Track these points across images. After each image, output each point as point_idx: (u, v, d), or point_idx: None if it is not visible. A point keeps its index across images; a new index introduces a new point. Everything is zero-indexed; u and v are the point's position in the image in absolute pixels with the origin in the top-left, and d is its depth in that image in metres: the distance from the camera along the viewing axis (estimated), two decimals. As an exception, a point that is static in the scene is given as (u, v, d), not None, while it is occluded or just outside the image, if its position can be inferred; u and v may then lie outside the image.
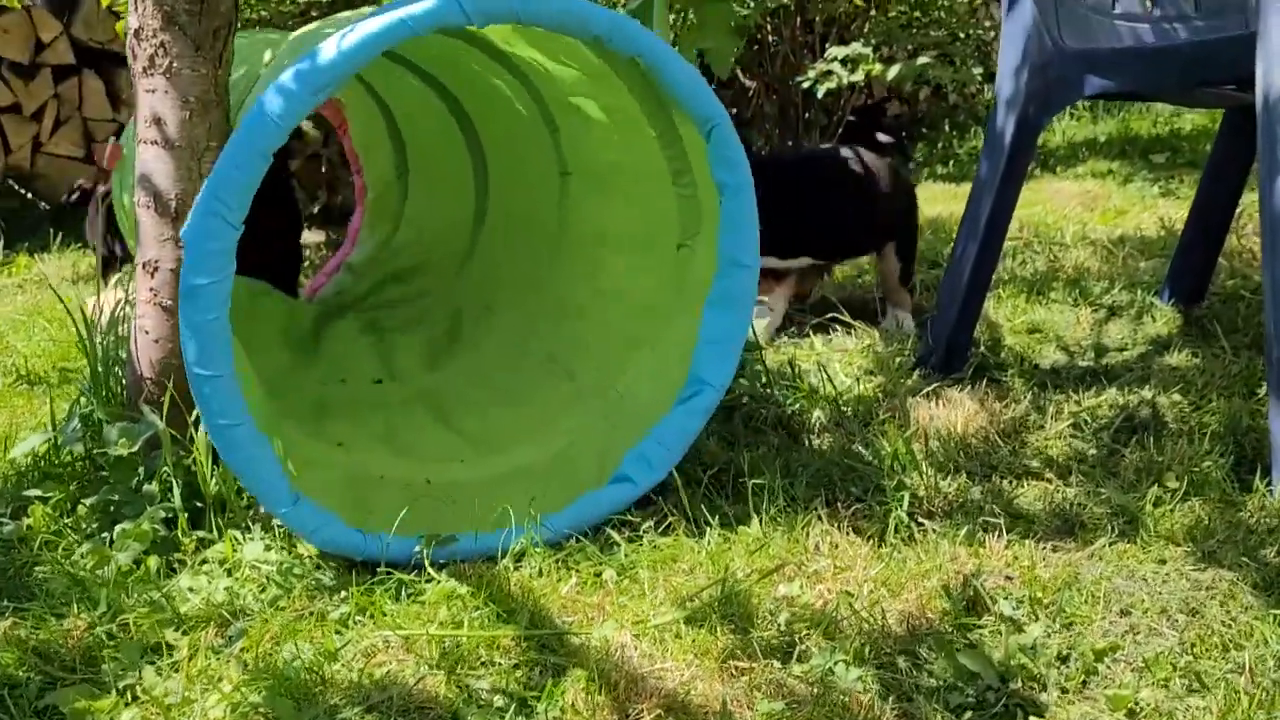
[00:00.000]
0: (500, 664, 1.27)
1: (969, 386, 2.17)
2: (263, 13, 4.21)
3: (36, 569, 1.50)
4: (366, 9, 1.68)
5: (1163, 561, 1.46)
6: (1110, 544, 1.51)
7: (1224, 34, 2.30)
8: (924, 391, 2.13)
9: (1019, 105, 2.17)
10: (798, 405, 2.08)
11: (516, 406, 2.07)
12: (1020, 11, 2.18)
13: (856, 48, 4.98)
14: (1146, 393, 2.06)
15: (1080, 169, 5.14)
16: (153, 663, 1.27)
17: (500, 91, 2.37)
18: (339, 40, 1.49)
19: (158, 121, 1.68)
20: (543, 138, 2.37)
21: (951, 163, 5.97)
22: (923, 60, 4.96)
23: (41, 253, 4.34)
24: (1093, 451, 1.84)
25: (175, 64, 1.67)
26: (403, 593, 1.43)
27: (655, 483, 1.68)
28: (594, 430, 1.88)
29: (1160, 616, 1.33)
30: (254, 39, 2.50)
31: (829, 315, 2.71)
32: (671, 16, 2.64)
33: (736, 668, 1.25)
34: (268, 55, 2.09)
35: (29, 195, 4.79)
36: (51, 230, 4.52)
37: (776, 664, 1.26)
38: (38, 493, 1.61)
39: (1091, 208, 4.10)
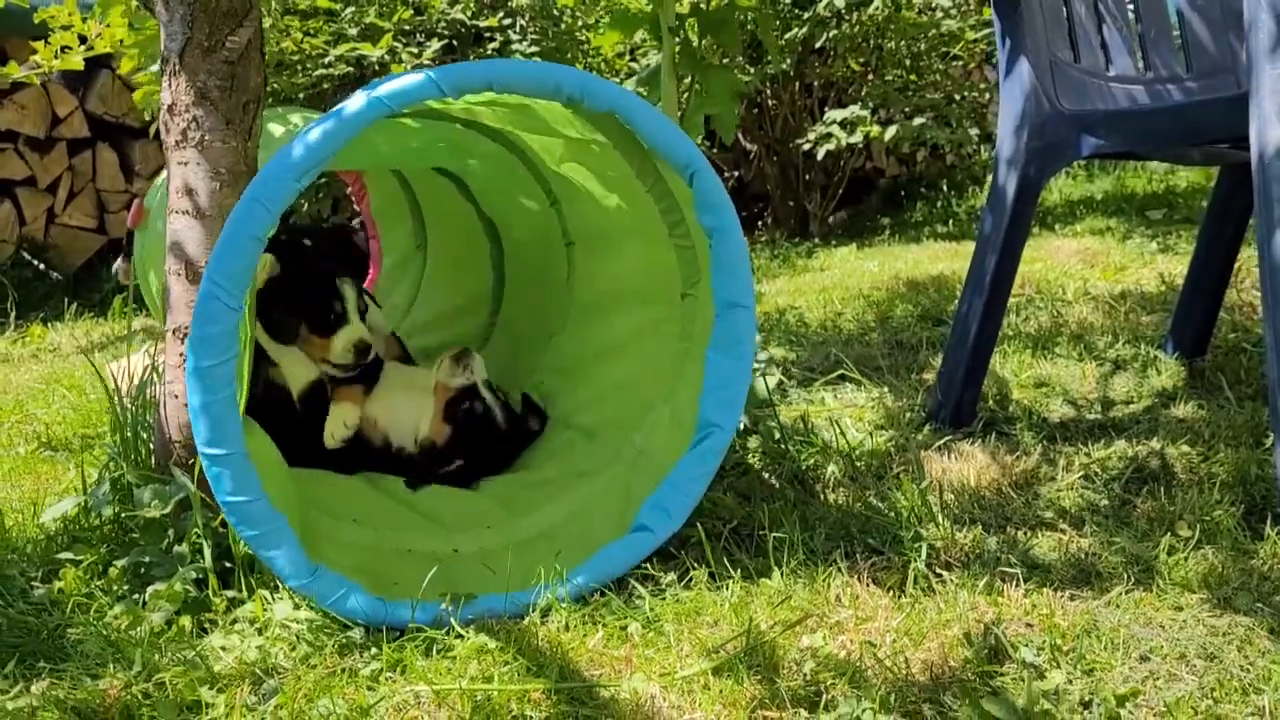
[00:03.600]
0: (532, 717, 1.29)
1: (979, 440, 2.21)
2: (275, 85, 4.32)
3: (69, 631, 1.52)
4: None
5: (1179, 608, 1.48)
6: (1127, 592, 1.53)
7: (1215, 94, 2.38)
8: (935, 445, 2.17)
9: (1019, 164, 2.24)
10: (811, 460, 2.11)
11: (539, 470, 2.09)
12: (1017, 74, 2.26)
13: (855, 110, 5.11)
14: (1155, 444, 2.09)
15: (1079, 226, 5.21)
16: (188, 720, 1.29)
17: (503, 169, 2.44)
18: (316, 126, 1.54)
19: (189, 192, 1.73)
20: (547, 213, 2.43)
21: (951, 221, 6.06)
22: (919, 122, 5.09)
23: (55, 322, 4.40)
24: (1104, 502, 1.87)
25: (207, 137, 1.73)
26: (433, 649, 1.45)
27: (675, 529, 1.70)
28: (615, 485, 1.90)
29: (1179, 662, 1.35)
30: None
31: (837, 373, 2.76)
32: (679, 84, 2.72)
33: (765, 717, 1.27)
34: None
35: (42, 266, 4.87)
36: (66, 300, 4.60)
37: (805, 713, 1.27)
38: (69, 556, 1.64)
39: (1091, 264, 4.17)
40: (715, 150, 5.96)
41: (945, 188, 6.92)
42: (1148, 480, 1.93)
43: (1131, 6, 2.45)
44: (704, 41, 2.84)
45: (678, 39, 2.74)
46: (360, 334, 2.23)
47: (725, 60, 3.63)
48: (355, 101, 1.54)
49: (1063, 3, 2.34)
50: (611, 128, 1.81)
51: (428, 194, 3.26)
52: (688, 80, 2.84)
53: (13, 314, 4.34)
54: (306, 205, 4.45)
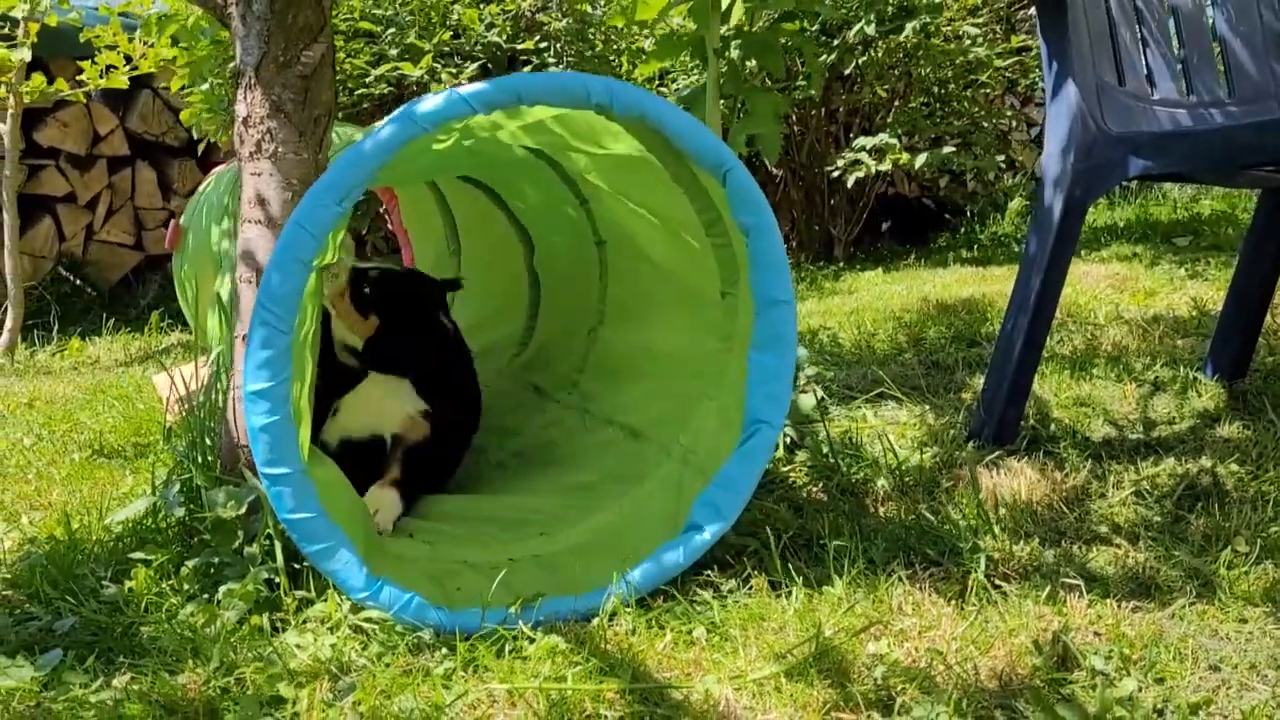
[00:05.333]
0: (607, 716, 1.31)
1: (1025, 457, 2.22)
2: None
3: (142, 629, 1.54)
4: None
5: (1244, 620, 1.49)
6: (1190, 604, 1.54)
7: (1259, 118, 2.41)
8: (983, 462, 2.18)
9: (1066, 185, 2.26)
10: (861, 475, 2.13)
11: (582, 470, 2.12)
12: (1064, 95, 2.29)
13: (884, 137, 5.15)
14: (1204, 462, 2.10)
15: (1104, 252, 5.23)
16: (271, 714, 1.31)
17: (530, 172, 2.47)
18: (357, 147, 1.58)
19: (262, 202, 1.77)
20: (577, 212, 2.46)
21: (975, 247, 6.09)
22: (948, 150, 5.13)
23: (93, 336, 4.45)
24: (1157, 518, 1.88)
25: (280, 149, 1.77)
26: (504, 650, 1.47)
27: (727, 528, 1.71)
28: (667, 485, 1.92)
29: (1250, 672, 1.36)
30: None
31: (877, 390, 2.78)
32: (722, 104, 2.76)
33: (840, 719, 1.29)
34: None
35: (79, 281, 4.93)
36: (103, 315, 4.65)
37: (878, 716, 1.29)
38: (141, 556, 1.67)
39: (1121, 289, 4.18)
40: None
41: (969, 214, 6.95)
42: (1200, 497, 1.94)
43: (1174, 31, 2.48)
44: (747, 66, 2.89)
45: (722, 61, 2.78)
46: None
47: (766, 83, 3.68)
48: (390, 123, 1.58)
49: (1108, 27, 2.37)
50: (643, 133, 1.82)
51: (459, 199, 3.29)
52: (728, 102, 2.88)
53: (54, 328, 4.40)
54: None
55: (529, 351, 2.86)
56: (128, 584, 1.64)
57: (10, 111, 3.97)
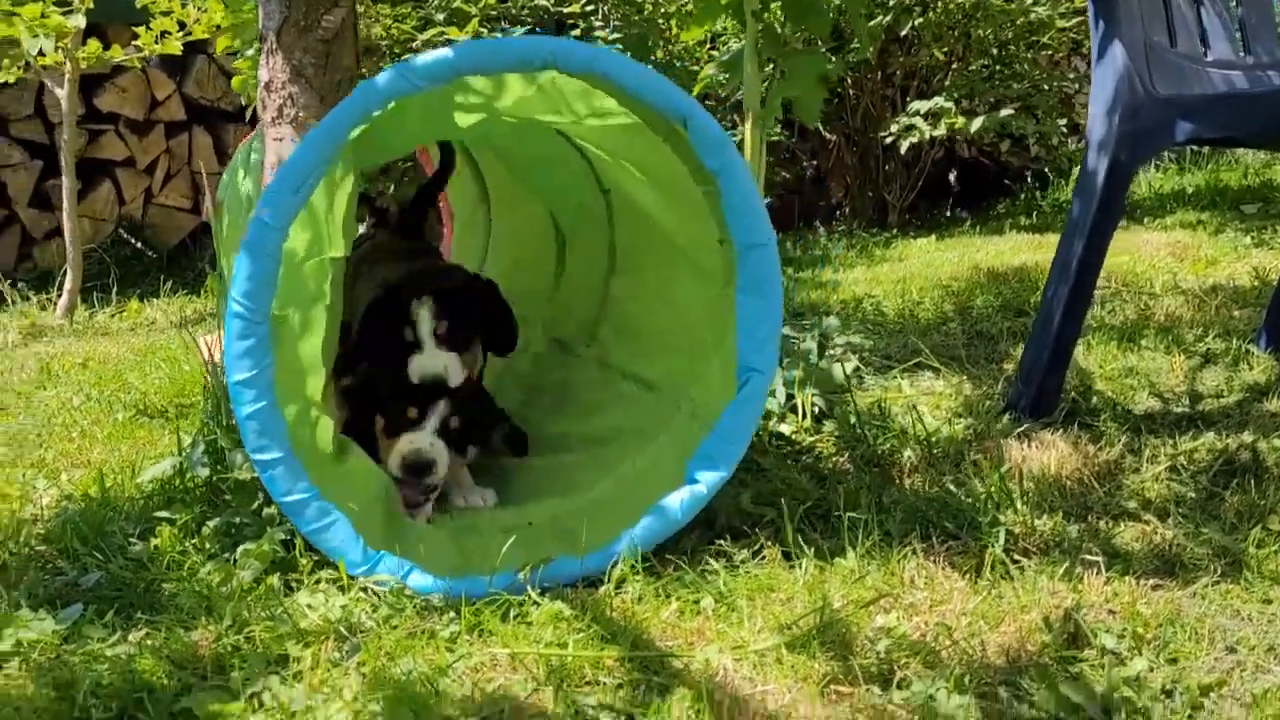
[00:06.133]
0: (606, 683, 1.31)
1: (1061, 429, 2.17)
2: (363, 71, 4.41)
3: (164, 585, 1.58)
4: None
5: (1268, 601, 1.44)
6: (1213, 584, 1.50)
7: (1319, 79, 2.31)
8: (1015, 434, 2.13)
9: (1110, 148, 2.19)
10: (888, 445, 2.10)
11: (602, 428, 2.13)
12: (1111, 57, 2.21)
13: (939, 101, 5.03)
14: (1246, 437, 2.03)
15: (1168, 220, 5.07)
16: (277, 672, 1.33)
17: (529, 132, 2.45)
18: (311, 132, 1.59)
19: (284, 167, 1.79)
20: (579, 163, 2.45)
21: (1035, 214, 5.94)
22: (1006, 113, 4.99)
23: (151, 298, 4.56)
24: (1191, 494, 1.83)
25: (301, 114, 1.78)
26: (510, 614, 1.48)
27: (724, 479, 1.70)
28: (676, 440, 1.91)
29: (1268, 654, 1.32)
30: None
31: (915, 360, 2.73)
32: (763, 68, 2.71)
33: (838, 693, 1.27)
34: None
35: (139, 244, 5.05)
36: (161, 277, 4.76)
37: (877, 690, 1.27)
38: (166, 515, 1.71)
39: (1181, 258, 4.05)
40: (795, 140, 5.92)
41: (1029, 179, 6.78)
42: (1237, 473, 1.88)
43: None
44: (789, 28, 2.83)
45: (760, 24, 2.73)
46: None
47: (810, 45, 3.61)
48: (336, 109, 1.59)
49: (1159, -14, 2.28)
50: (610, 89, 1.75)
51: (485, 158, 3.27)
52: (772, 65, 2.83)
53: (114, 290, 4.51)
54: (393, 188, 4.52)
55: (555, 297, 2.86)
56: (154, 542, 1.68)
57: (67, 77, 4.05)
